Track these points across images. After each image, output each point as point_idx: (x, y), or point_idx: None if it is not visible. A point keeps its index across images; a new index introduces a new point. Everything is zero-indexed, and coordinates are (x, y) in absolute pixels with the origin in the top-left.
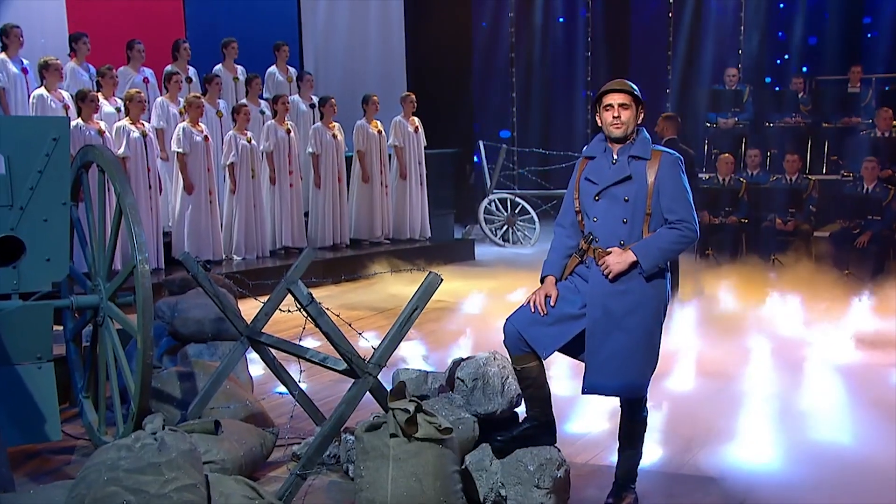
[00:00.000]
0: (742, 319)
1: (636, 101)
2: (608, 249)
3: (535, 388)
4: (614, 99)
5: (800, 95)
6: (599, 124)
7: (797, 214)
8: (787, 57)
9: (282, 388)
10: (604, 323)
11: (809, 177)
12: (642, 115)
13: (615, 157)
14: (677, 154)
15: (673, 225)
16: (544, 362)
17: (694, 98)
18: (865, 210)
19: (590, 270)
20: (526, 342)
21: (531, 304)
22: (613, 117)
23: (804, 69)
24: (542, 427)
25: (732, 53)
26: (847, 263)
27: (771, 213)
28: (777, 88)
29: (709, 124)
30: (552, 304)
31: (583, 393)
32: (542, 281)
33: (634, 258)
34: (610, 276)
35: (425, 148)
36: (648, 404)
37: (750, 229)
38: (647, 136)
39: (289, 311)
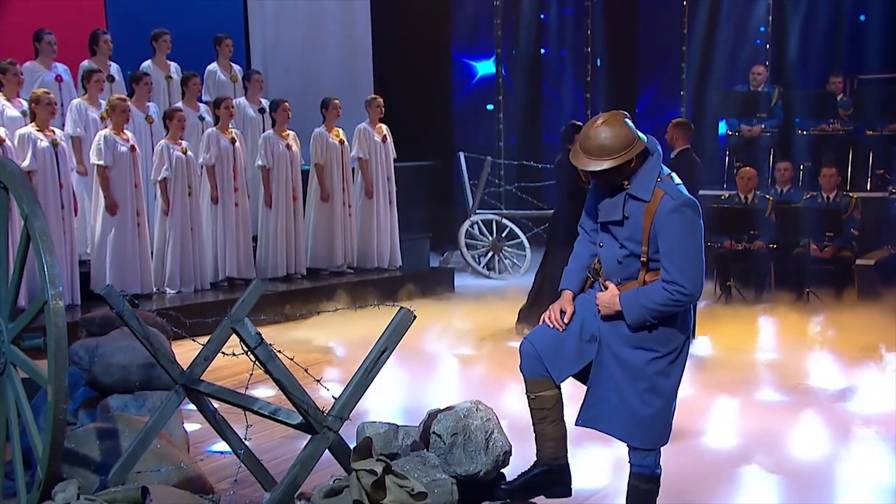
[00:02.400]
0: (766, 371)
1: (614, 161)
2: (606, 283)
3: (549, 423)
4: (589, 174)
5: (839, 97)
6: None
7: (836, 239)
8: (823, 52)
9: (224, 447)
10: (606, 355)
11: (850, 194)
12: (636, 160)
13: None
14: (687, 197)
15: (664, 285)
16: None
17: (712, 101)
18: None
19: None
20: (544, 365)
21: (546, 319)
22: (598, 183)
23: (844, 66)
24: (555, 473)
25: (759, 48)
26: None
27: (804, 237)
28: (812, 89)
29: (730, 132)
30: (566, 320)
31: (576, 424)
32: (559, 294)
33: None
34: (601, 316)
35: (395, 161)
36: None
37: (779, 257)
38: (657, 162)
39: (233, 354)
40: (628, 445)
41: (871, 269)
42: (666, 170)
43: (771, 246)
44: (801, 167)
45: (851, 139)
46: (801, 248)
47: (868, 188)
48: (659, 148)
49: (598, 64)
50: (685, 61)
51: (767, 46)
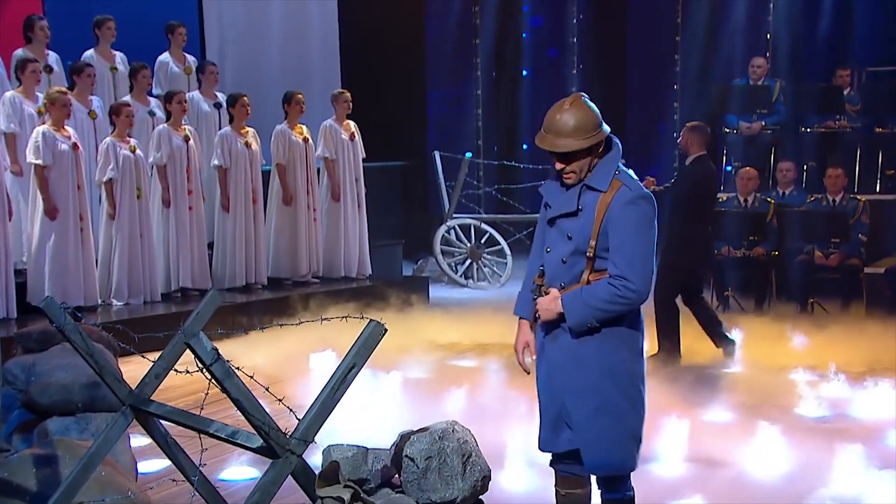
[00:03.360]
0: (768, 393)
1: (587, 141)
2: (548, 290)
3: None
4: (553, 156)
5: (846, 92)
6: None
7: (842, 245)
8: (829, 42)
9: (176, 474)
10: (547, 376)
11: (858, 197)
12: (601, 147)
13: (569, 182)
14: (644, 191)
15: (610, 280)
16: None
17: (708, 96)
18: None
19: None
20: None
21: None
22: (561, 171)
23: (852, 58)
24: None
25: (759, 38)
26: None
27: (808, 243)
28: (816, 83)
29: (728, 130)
30: (532, 355)
31: (539, 448)
32: (517, 316)
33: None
34: (539, 322)
35: (365, 160)
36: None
37: (781, 265)
38: (617, 154)
39: (187, 371)
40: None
41: (880, 278)
42: (622, 165)
43: (772, 253)
44: (805, 167)
45: (859, 137)
46: (804, 256)
47: (877, 190)
48: (618, 141)
49: (585, 49)
50: (679, 52)
51: (768, 36)
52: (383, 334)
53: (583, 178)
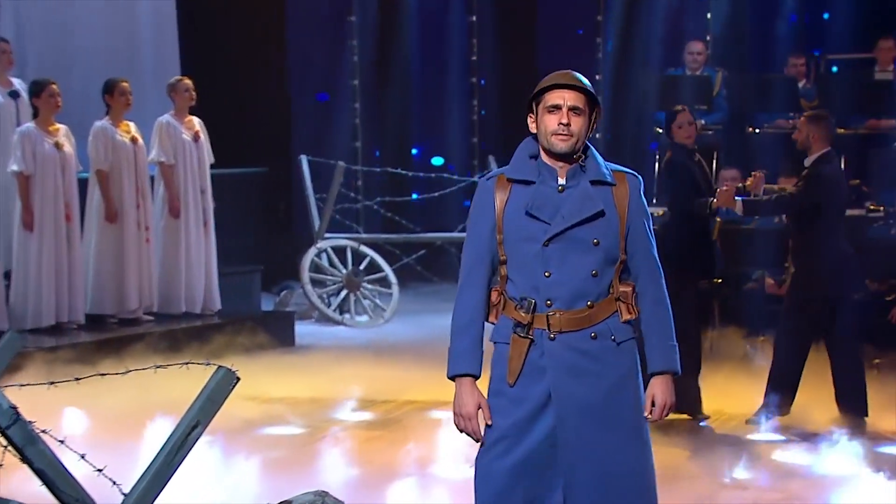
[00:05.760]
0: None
1: (591, 104)
2: (563, 312)
3: None
4: (564, 98)
5: (801, 85)
6: (533, 130)
7: None
8: (780, 25)
9: None
10: (581, 426)
11: None
12: (596, 124)
13: (562, 181)
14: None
15: (657, 294)
16: None
17: (636, 88)
18: None
19: (544, 356)
20: None
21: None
22: (561, 124)
23: (807, 45)
24: None
25: (698, 19)
26: (876, 349)
27: (757, 268)
28: (766, 73)
29: (659, 129)
30: (487, 421)
31: None
32: (453, 381)
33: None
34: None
35: (212, 166)
36: None
37: (725, 294)
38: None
39: None
40: None
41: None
42: None
43: (714, 281)
44: (753, 176)
45: None
46: (753, 283)
47: None
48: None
49: (485, 30)
50: (601, 35)
51: (708, 16)
52: (235, 384)
53: (576, 149)
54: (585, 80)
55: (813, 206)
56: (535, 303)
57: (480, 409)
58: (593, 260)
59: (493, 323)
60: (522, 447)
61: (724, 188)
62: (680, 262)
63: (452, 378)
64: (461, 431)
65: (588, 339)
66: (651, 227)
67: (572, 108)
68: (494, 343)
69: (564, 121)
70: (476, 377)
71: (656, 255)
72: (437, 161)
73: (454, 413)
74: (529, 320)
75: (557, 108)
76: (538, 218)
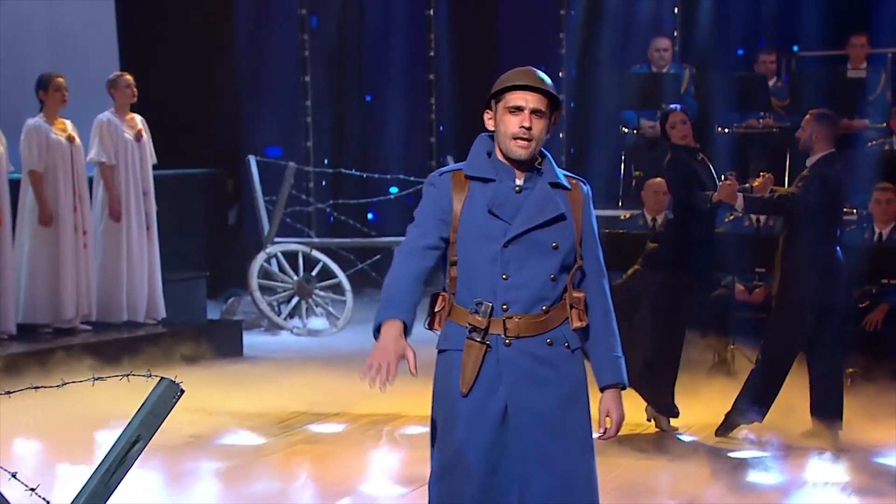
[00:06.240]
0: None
1: (552, 106)
2: (520, 316)
3: None
4: (527, 100)
5: (772, 83)
6: (490, 127)
7: (769, 276)
8: (749, 21)
9: None
10: (536, 437)
11: None
12: (553, 126)
13: (520, 182)
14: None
15: (605, 304)
16: None
17: (599, 86)
18: (878, 269)
19: (499, 363)
20: None
21: (369, 380)
22: (522, 127)
23: (778, 40)
24: None
25: (664, 14)
26: (850, 358)
27: (727, 274)
28: (735, 72)
29: (626, 129)
30: (413, 368)
31: None
32: (376, 334)
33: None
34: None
35: (155, 167)
36: None
37: (695, 300)
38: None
39: None
40: None
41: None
42: None
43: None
44: (724, 177)
45: (789, 140)
46: (722, 290)
47: None
48: None
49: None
50: (564, 30)
51: (675, 11)
52: (178, 397)
53: (534, 154)
54: (549, 80)
55: (815, 208)
56: (492, 306)
57: (405, 358)
58: (553, 264)
59: (436, 331)
60: (479, 472)
61: (728, 182)
62: (680, 265)
63: (378, 329)
64: (366, 373)
65: (544, 345)
66: (598, 235)
67: (534, 111)
68: (442, 352)
69: (526, 124)
70: (406, 326)
71: (604, 265)
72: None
73: (369, 357)
74: (486, 324)
75: (519, 109)
76: (500, 217)
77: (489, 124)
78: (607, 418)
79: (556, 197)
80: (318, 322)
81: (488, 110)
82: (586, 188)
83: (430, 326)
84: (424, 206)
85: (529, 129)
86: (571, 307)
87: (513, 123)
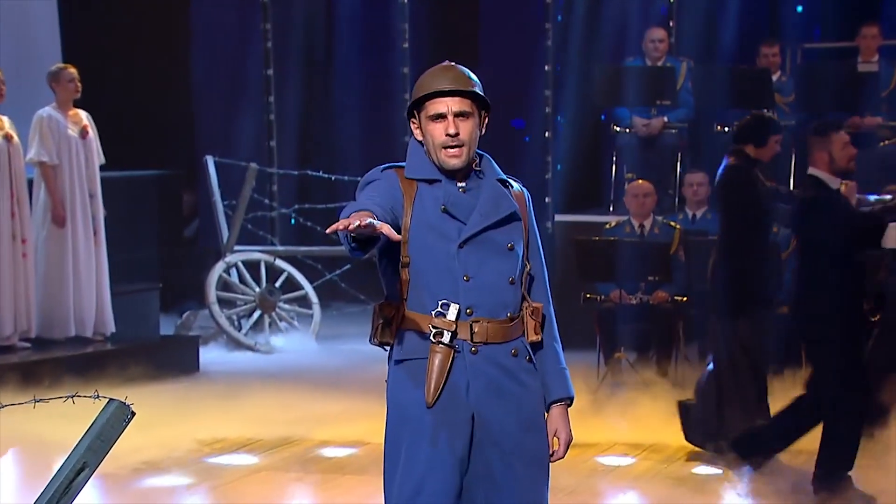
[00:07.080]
0: None
1: (480, 105)
2: (488, 321)
3: None
4: (448, 105)
5: (775, 77)
6: (418, 138)
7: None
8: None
9: None
10: (499, 456)
11: None
12: (485, 125)
13: (462, 183)
14: None
15: (549, 311)
16: None
17: (590, 82)
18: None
19: (466, 371)
20: None
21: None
22: (448, 135)
23: (782, 32)
24: None
25: (659, 3)
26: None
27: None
28: (736, 65)
29: (618, 128)
30: (393, 236)
31: None
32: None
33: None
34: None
35: (103, 168)
36: None
37: (691, 313)
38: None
39: None
40: None
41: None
42: None
43: (678, 298)
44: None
45: (795, 138)
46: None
47: None
48: None
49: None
50: (550, 20)
51: (671, 1)
52: (129, 419)
53: (470, 159)
54: (470, 76)
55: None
56: (459, 308)
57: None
58: (510, 266)
59: (385, 344)
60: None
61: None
62: (743, 290)
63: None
64: (335, 227)
65: (509, 355)
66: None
67: (459, 115)
68: (399, 363)
69: (452, 130)
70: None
71: (546, 279)
72: (364, 163)
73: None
74: (454, 328)
75: (442, 116)
76: (454, 216)
77: (417, 134)
78: (555, 439)
79: (507, 194)
80: (279, 341)
81: (413, 120)
82: (528, 193)
83: (379, 340)
84: (372, 192)
85: (457, 134)
86: (532, 317)
87: (438, 132)
